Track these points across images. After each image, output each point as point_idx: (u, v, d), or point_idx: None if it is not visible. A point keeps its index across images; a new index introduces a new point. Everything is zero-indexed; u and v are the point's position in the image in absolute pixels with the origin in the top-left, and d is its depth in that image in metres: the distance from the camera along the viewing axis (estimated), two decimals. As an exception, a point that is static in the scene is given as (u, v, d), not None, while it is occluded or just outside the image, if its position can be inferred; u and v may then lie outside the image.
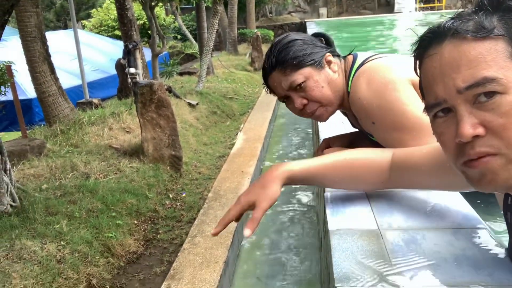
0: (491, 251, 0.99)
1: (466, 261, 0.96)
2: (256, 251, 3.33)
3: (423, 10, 23.28)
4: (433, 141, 1.13)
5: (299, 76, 1.36)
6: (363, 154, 1.18)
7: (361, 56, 1.41)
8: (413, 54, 0.81)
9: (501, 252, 0.98)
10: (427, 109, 0.79)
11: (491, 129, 0.70)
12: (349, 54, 1.46)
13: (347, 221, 1.16)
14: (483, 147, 0.71)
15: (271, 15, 23.16)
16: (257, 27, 18.05)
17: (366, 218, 1.17)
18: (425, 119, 1.22)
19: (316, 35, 1.49)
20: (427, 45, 0.77)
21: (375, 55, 1.41)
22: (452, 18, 0.75)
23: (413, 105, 1.22)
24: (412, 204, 1.22)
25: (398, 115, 1.24)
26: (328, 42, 1.48)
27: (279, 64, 1.38)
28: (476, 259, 0.96)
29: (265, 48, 14.01)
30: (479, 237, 1.05)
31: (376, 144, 1.40)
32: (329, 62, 1.39)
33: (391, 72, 1.29)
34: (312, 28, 17.18)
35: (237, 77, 10.08)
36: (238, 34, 14.90)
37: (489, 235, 1.05)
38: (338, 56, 1.46)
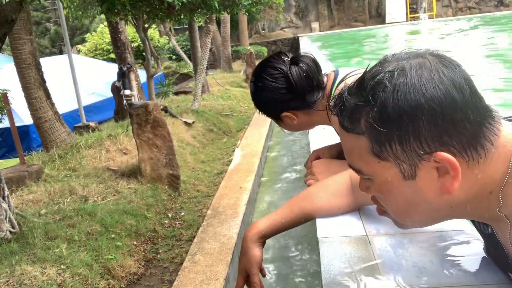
0: (475, 252, 1.01)
1: (451, 263, 0.98)
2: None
3: (413, 20, 23.52)
4: None
5: (268, 118, 1.54)
6: (320, 186, 1.27)
7: (342, 73, 1.45)
8: None
9: (482, 252, 1.01)
10: None
11: None
12: (332, 71, 1.50)
13: (336, 229, 1.18)
14: (377, 204, 0.85)
15: (264, 31, 23.39)
16: (251, 44, 18.22)
17: (355, 225, 1.19)
18: None
19: (295, 60, 1.42)
20: None
21: (355, 70, 1.44)
22: (344, 97, 0.76)
23: None
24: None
25: None
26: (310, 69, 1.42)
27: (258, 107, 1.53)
28: (461, 260, 0.99)
29: (259, 64, 14.11)
30: (464, 239, 1.07)
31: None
32: (285, 118, 1.47)
33: None
34: (305, 42, 17.35)
35: (232, 94, 10.15)
36: (232, 51, 15.05)
37: (473, 237, 1.07)
38: (317, 82, 1.43)
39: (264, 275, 1.18)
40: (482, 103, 0.71)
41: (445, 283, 0.91)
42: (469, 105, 0.68)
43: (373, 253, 1.05)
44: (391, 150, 0.71)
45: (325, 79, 1.47)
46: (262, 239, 1.19)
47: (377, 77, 0.71)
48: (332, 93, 1.42)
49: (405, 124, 0.68)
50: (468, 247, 1.03)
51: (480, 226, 0.92)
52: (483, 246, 1.02)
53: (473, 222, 0.96)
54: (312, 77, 1.41)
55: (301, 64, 1.40)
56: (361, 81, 0.74)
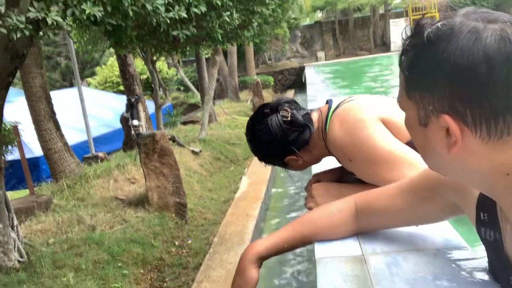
0: (470, 270, 1.03)
1: (445, 280, 1.00)
2: (263, 293, 3.32)
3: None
4: (408, 172, 1.20)
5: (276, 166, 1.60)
6: (322, 210, 1.25)
7: (335, 102, 1.51)
8: None
9: (480, 270, 1.02)
10: None
11: None
12: (326, 102, 1.56)
13: (333, 249, 1.20)
14: None
15: (270, 61, 23.70)
16: (257, 74, 18.46)
17: (351, 245, 1.21)
18: (397, 151, 1.31)
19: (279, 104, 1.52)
20: None
21: (348, 98, 1.51)
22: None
23: (383, 140, 1.32)
24: (397, 228, 1.26)
25: (371, 150, 1.32)
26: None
27: (261, 159, 1.59)
28: (455, 278, 1.00)
29: (265, 93, 14.29)
30: (459, 257, 1.09)
31: (360, 180, 1.47)
32: (291, 161, 1.54)
33: (361, 111, 1.39)
34: (311, 71, 17.55)
35: (239, 122, 10.25)
36: (239, 81, 15.26)
37: (469, 255, 1.09)
38: (308, 115, 1.51)
39: None
40: None
41: (437, 299, 0.93)
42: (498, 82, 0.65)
43: (368, 272, 1.07)
44: (417, 93, 0.74)
45: (315, 114, 1.52)
46: (260, 261, 1.18)
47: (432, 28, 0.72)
48: (327, 123, 1.46)
49: (432, 76, 0.70)
50: (463, 265, 1.05)
51: (486, 233, 0.92)
52: (486, 261, 1.02)
53: (478, 228, 0.96)
54: (295, 119, 1.47)
55: (281, 112, 1.48)
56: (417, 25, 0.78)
